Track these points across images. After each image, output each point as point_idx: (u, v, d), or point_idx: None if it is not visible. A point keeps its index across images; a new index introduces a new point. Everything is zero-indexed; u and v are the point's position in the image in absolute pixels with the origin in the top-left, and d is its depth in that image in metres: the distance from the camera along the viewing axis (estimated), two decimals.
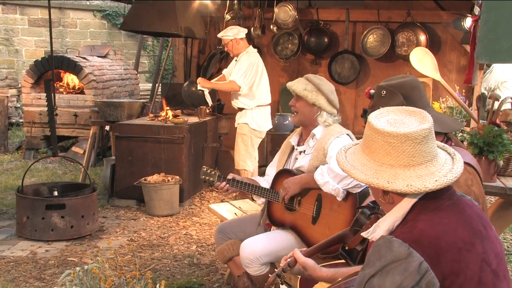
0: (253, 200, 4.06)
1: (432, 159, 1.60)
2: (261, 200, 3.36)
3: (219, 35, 6.05)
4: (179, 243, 4.77)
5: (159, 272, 4.09)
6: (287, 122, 7.02)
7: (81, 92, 8.66)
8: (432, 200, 1.59)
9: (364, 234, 1.79)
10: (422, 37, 6.94)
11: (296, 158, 3.30)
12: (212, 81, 6.07)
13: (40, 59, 8.75)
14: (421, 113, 1.64)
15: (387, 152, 1.59)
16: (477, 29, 3.44)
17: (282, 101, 7.61)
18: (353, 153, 1.73)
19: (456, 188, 2.03)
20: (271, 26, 7.22)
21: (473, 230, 1.56)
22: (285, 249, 2.98)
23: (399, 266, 1.45)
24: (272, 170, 3.44)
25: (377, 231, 1.67)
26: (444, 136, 2.28)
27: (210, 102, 6.07)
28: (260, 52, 7.55)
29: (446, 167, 1.61)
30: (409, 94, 2.22)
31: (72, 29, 12.78)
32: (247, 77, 5.74)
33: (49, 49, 12.25)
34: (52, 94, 4.84)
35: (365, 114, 2.80)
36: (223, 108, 7.02)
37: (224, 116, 6.99)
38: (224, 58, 7.56)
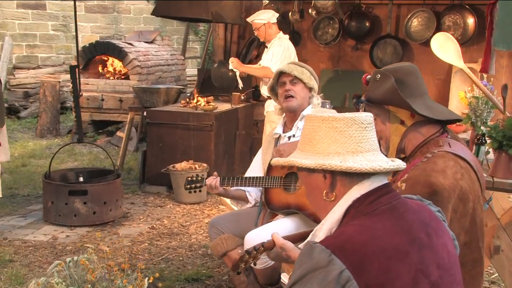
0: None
1: (377, 149, 1.52)
2: (250, 204, 3.28)
3: (249, 19, 5.89)
4: (199, 232, 4.74)
5: (170, 262, 4.07)
6: (326, 108, 6.82)
7: (126, 77, 8.80)
8: (367, 203, 1.45)
9: (300, 245, 1.68)
10: (470, 20, 6.51)
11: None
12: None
13: (87, 45, 8.94)
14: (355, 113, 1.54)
15: (334, 139, 1.50)
16: (495, 12, 3.14)
17: (322, 87, 7.39)
18: (292, 156, 1.60)
19: (441, 179, 1.89)
20: (310, 10, 7.00)
21: (410, 238, 1.40)
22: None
23: (319, 275, 1.32)
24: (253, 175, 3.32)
25: (315, 239, 1.53)
26: (441, 128, 2.13)
27: (241, 85, 5.97)
28: (299, 37, 7.40)
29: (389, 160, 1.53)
30: (403, 79, 2.09)
31: (126, 15, 12.99)
32: (282, 63, 5.51)
33: (104, 34, 12.53)
34: (78, 80, 4.89)
35: (358, 101, 2.63)
36: (260, 95, 6.90)
37: (260, 103, 6.87)
38: (263, 43, 7.41)
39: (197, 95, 6.41)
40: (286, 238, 2.06)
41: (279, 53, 5.61)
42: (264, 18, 5.70)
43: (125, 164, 7.05)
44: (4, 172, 6.60)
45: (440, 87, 6.79)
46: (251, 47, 7.49)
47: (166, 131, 5.83)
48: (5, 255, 4.04)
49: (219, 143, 5.87)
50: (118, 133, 8.64)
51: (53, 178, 4.95)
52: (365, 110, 2.20)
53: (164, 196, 5.78)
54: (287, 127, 3.30)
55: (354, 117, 1.48)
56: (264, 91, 5.78)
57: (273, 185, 3.07)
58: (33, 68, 12.13)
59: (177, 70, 9.80)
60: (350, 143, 1.48)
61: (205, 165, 5.58)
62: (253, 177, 3.14)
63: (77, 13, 12.68)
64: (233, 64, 5.80)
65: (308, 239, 1.57)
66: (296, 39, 7.33)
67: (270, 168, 3.15)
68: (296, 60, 5.79)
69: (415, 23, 6.80)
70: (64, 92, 10.69)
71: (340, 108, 6.65)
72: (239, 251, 2.95)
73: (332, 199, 1.51)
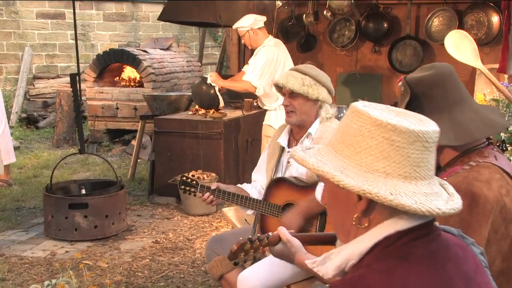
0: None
1: (433, 176, 1.19)
2: (250, 211, 2.97)
3: (234, 26, 5.30)
4: (204, 246, 4.50)
5: (170, 280, 3.84)
6: (341, 114, 6.53)
7: (141, 85, 8.65)
8: (400, 244, 1.12)
9: (309, 263, 1.39)
10: (495, 18, 6.15)
11: (289, 162, 2.89)
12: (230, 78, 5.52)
13: (101, 53, 8.83)
14: (418, 116, 1.21)
15: (386, 155, 1.12)
16: None
17: (339, 91, 7.10)
18: (319, 154, 1.23)
19: (485, 190, 1.63)
20: (325, 12, 6.73)
21: None
22: (292, 277, 2.59)
23: None
24: (260, 176, 3.06)
25: (326, 263, 1.25)
26: (486, 140, 1.87)
27: (222, 103, 5.51)
28: (315, 40, 7.13)
29: (444, 192, 1.20)
30: (425, 93, 1.80)
31: (145, 22, 12.90)
32: (263, 76, 5.00)
33: (123, 42, 12.46)
34: (78, 89, 4.72)
35: None
36: None
37: None
38: None
39: None
40: (294, 235, 1.83)
41: (259, 65, 5.01)
42: (245, 25, 5.13)
43: (137, 174, 6.88)
44: (14, 184, 6.50)
45: None
46: None
47: (174, 140, 5.62)
48: None
49: (229, 151, 5.63)
50: (133, 142, 8.48)
51: (54, 191, 4.78)
52: None
53: (173, 208, 5.57)
54: (293, 139, 2.94)
55: (419, 132, 1.12)
56: (259, 102, 5.42)
57: (270, 214, 2.81)
58: (53, 78, 12.11)
59: (193, 77, 9.61)
60: (406, 165, 1.12)
61: (213, 174, 5.35)
62: (250, 199, 2.88)
63: (96, 21, 12.73)
64: (212, 78, 5.31)
65: (319, 260, 1.29)
66: (311, 42, 7.08)
67: (269, 190, 2.88)
68: (288, 67, 5.36)
69: (436, 22, 6.47)
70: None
71: None
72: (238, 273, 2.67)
73: (365, 225, 1.18)
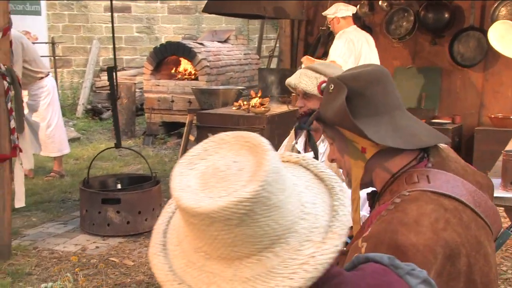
0: None
1: (277, 241, 0.85)
2: None
3: (323, 13, 5.69)
4: None
5: None
6: None
7: (196, 78, 8.61)
8: None
9: None
10: None
11: None
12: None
13: (158, 46, 8.86)
14: (262, 153, 0.87)
15: (196, 235, 0.88)
16: None
17: (396, 86, 6.71)
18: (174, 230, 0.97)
19: (413, 237, 1.31)
20: (380, 2, 6.37)
21: None
22: None
23: None
24: None
25: None
26: (419, 153, 1.52)
27: None
28: (370, 31, 6.75)
29: (308, 245, 0.86)
30: (364, 90, 1.50)
31: (208, 14, 12.87)
32: (346, 54, 5.26)
33: (186, 34, 12.52)
34: (115, 82, 4.69)
35: (300, 126, 2.09)
36: None
37: None
38: (332, 40, 6.87)
39: (256, 96, 6.01)
40: None
41: (339, 46, 5.33)
42: (329, 13, 5.52)
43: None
44: (66, 175, 6.62)
45: None
46: (318, 44, 6.98)
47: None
48: (26, 268, 3.88)
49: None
50: (191, 137, 8.46)
51: (91, 185, 4.78)
52: (323, 131, 1.66)
53: None
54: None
55: (213, 213, 0.82)
56: None
57: None
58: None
59: (250, 70, 9.47)
60: (218, 246, 0.86)
61: None
62: None
63: (161, 14, 12.86)
64: (304, 63, 5.31)
65: None
66: None
67: None
68: (368, 55, 5.34)
69: (503, 12, 5.95)
70: (142, 94, 10.77)
71: (415, 110, 5.98)
72: None
73: None
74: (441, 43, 6.41)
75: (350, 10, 5.51)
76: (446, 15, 6.26)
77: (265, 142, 0.88)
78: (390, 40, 6.63)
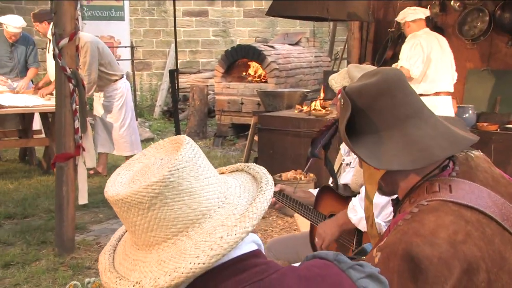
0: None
1: (191, 225, 0.94)
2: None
3: (396, 19, 5.70)
4: None
5: None
6: (467, 115, 5.90)
7: (266, 81, 8.67)
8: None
9: None
10: None
11: (345, 171, 2.66)
12: None
13: (229, 49, 9.00)
14: (179, 147, 0.98)
15: (127, 227, 1.00)
16: None
17: (469, 89, 6.43)
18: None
19: (428, 249, 1.27)
20: (452, 3, 6.12)
21: None
22: None
23: None
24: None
25: None
26: (445, 160, 1.44)
27: None
28: (442, 33, 6.52)
29: (221, 230, 0.94)
30: (370, 106, 1.43)
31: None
32: (412, 58, 5.17)
33: (260, 37, 12.64)
34: (176, 85, 4.82)
35: (311, 152, 2.05)
36: None
37: None
38: (402, 42, 6.69)
39: (321, 99, 5.98)
40: None
41: (406, 49, 5.28)
42: (399, 18, 5.52)
43: None
44: None
45: None
46: (387, 46, 6.82)
47: (277, 138, 5.51)
48: (86, 262, 4.07)
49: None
50: (255, 138, 8.54)
51: None
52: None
53: (272, 206, 5.45)
54: None
55: (125, 198, 0.94)
56: None
57: (316, 223, 2.60)
58: (194, 73, 12.69)
59: (320, 73, 9.41)
60: (139, 233, 0.97)
61: (312, 175, 5.14)
62: (303, 205, 2.70)
63: (236, 18, 13.06)
64: None
65: None
66: None
67: (318, 198, 2.69)
68: (441, 58, 5.28)
69: None
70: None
71: (489, 114, 5.70)
72: None
73: None
74: None
75: (420, 13, 5.39)
76: None
77: (187, 140, 0.98)
78: (463, 41, 6.36)
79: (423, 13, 5.41)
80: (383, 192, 1.55)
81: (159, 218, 0.93)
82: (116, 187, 0.97)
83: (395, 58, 6.33)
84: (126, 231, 1.06)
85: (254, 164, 1.13)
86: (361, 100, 1.44)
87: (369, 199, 1.54)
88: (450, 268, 1.25)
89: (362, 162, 1.52)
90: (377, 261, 1.32)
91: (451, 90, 5.40)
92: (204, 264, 0.88)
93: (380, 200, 2.00)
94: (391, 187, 1.50)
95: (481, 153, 1.55)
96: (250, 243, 1.01)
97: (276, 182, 2.80)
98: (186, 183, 0.92)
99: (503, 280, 1.31)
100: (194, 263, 0.88)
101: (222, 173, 1.13)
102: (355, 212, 2.30)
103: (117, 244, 1.06)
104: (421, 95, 5.19)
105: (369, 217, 1.61)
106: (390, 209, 2.11)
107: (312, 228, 2.70)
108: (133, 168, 1.02)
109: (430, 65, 5.26)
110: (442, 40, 5.46)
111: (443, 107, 5.22)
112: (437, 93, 5.29)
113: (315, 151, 2.02)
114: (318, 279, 0.99)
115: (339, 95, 1.55)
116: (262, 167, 1.09)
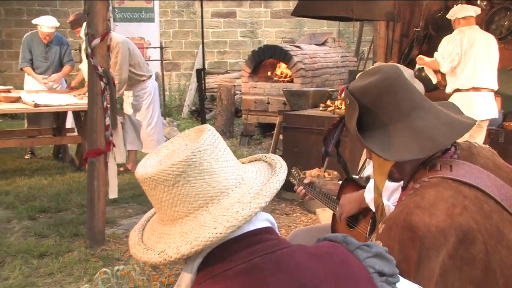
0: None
1: (210, 201, 1.06)
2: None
3: (447, 15, 5.71)
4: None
5: None
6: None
7: (292, 80, 8.75)
8: (216, 262, 1.05)
9: None
10: None
11: (369, 164, 2.77)
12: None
13: (256, 49, 9.12)
14: (201, 132, 1.11)
15: (154, 204, 1.12)
16: None
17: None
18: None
19: (427, 218, 1.37)
20: (479, 1, 6.12)
21: None
22: None
23: None
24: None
25: None
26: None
27: (434, 80, 5.66)
28: None
29: (237, 206, 1.05)
30: (375, 104, 1.54)
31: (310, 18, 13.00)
32: (446, 53, 5.28)
33: (287, 37, 12.72)
34: (203, 84, 4.94)
35: (325, 152, 2.12)
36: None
37: None
38: (428, 41, 6.71)
39: (338, 98, 6.04)
40: None
41: (443, 44, 5.38)
42: (451, 15, 5.54)
43: None
44: None
45: None
46: (413, 46, 6.84)
47: (301, 136, 5.60)
48: (115, 253, 4.23)
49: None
50: (281, 137, 8.63)
51: None
52: None
53: (296, 204, 5.56)
54: None
55: (151, 176, 1.07)
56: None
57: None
58: (222, 73, 12.85)
59: (346, 73, 9.45)
60: (165, 209, 1.09)
61: (335, 173, 5.20)
62: (329, 197, 2.79)
63: (264, 19, 13.17)
64: (420, 61, 5.63)
65: None
66: None
67: (341, 189, 2.78)
68: (481, 55, 5.30)
69: None
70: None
71: None
72: None
73: None
74: None
75: (470, 10, 5.40)
76: None
77: (209, 127, 1.11)
78: None
79: (474, 10, 5.40)
80: (393, 179, 1.64)
81: (182, 194, 1.05)
82: (146, 168, 1.10)
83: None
84: (154, 213, 1.18)
85: (271, 154, 1.25)
86: (366, 98, 1.55)
87: (378, 192, 1.63)
88: (446, 236, 1.35)
89: (371, 154, 1.62)
90: (380, 232, 1.44)
91: (494, 87, 5.37)
92: (221, 234, 1.00)
93: (391, 184, 2.10)
94: (400, 174, 1.60)
95: (488, 146, 1.64)
96: (264, 221, 1.12)
97: (300, 180, 2.92)
98: (206, 164, 1.05)
99: (502, 253, 1.39)
100: (212, 233, 1.00)
101: (242, 163, 1.24)
102: (370, 192, 2.40)
103: (145, 224, 1.19)
104: (458, 90, 5.23)
105: (379, 207, 1.71)
106: (400, 193, 2.21)
107: (334, 220, 2.78)
108: (161, 154, 1.15)
109: (468, 61, 5.23)
110: (490, 38, 5.43)
111: (483, 103, 5.21)
112: (476, 89, 5.25)
113: (328, 150, 2.13)
114: (327, 256, 1.09)
115: (343, 94, 1.66)
116: (278, 156, 1.20)
